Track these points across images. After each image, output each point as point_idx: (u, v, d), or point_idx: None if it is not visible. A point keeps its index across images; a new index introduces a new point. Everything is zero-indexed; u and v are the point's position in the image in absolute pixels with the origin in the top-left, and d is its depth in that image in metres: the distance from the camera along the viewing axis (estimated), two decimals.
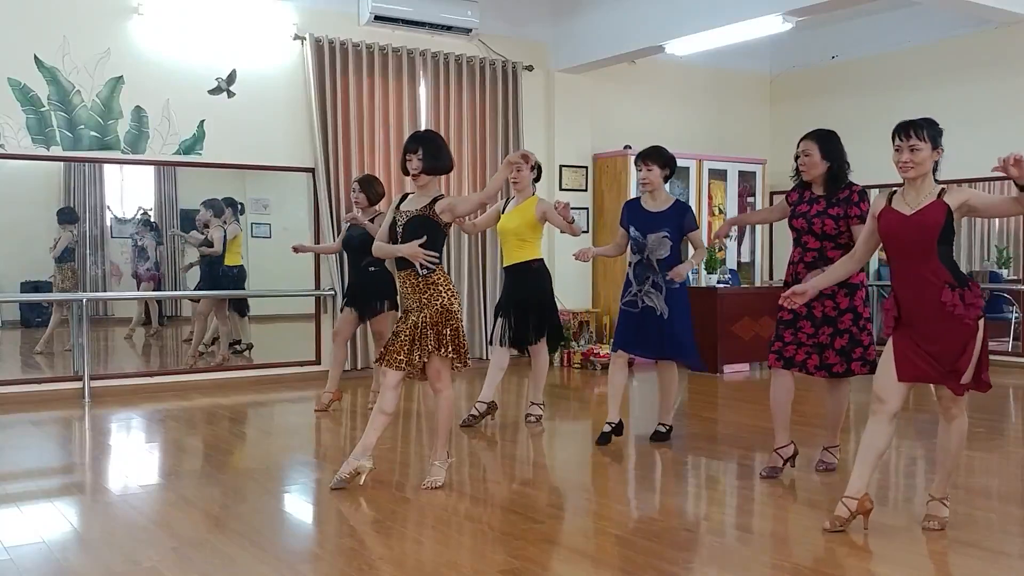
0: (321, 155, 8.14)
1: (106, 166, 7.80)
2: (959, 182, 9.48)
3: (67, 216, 7.94)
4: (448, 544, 3.75)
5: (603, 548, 3.72)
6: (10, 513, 4.18)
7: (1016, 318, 9.24)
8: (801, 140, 4.58)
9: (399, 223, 4.52)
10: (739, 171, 9.83)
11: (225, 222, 8.26)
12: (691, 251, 5.50)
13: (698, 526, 4.04)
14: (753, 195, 9.97)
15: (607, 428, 5.51)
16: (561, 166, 9.54)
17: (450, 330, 4.40)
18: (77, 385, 7.29)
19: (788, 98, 10.86)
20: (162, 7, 7.56)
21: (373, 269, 6.40)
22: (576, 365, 9.04)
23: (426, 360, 4.41)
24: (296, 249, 7.08)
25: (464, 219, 6.01)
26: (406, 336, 4.43)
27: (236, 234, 8.34)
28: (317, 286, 8.32)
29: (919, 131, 3.66)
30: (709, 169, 9.49)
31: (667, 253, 5.31)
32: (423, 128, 8.68)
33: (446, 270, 5.19)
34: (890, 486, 4.82)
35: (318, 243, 8.04)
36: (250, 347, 8.61)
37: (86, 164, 7.67)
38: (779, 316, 4.58)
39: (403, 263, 4.49)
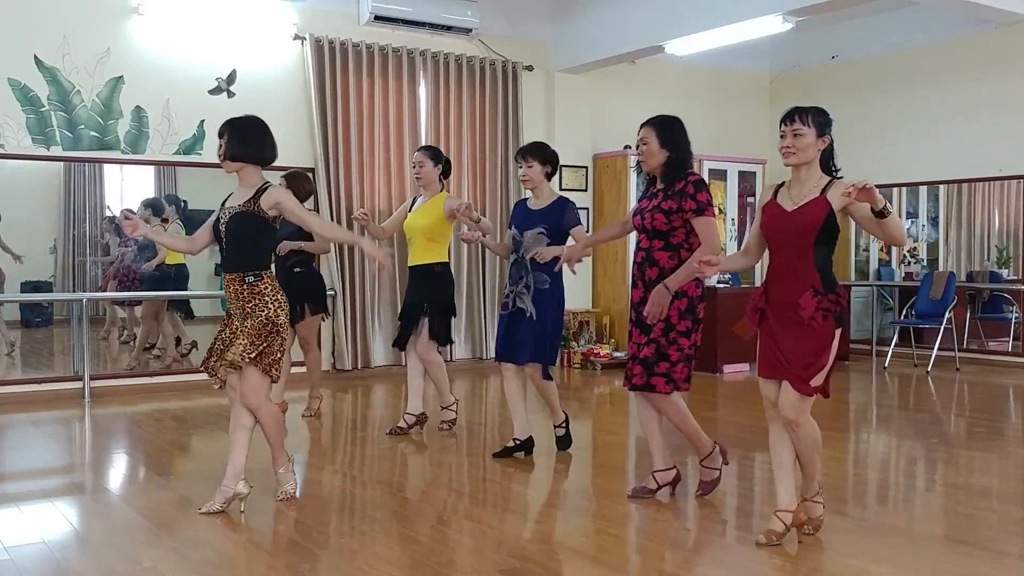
0: (321, 155, 8.14)
1: (106, 166, 7.80)
2: (959, 182, 9.51)
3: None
4: (448, 544, 3.75)
5: (603, 548, 3.72)
6: (10, 513, 4.18)
7: (1016, 318, 9.24)
8: (640, 127, 4.24)
9: (222, 220, 4.13)
10: (739, 171, 9.83)
11: (167, 220, 8.07)
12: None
13: (698, 526, 4.03)
14: (753, 195, 9.97)
15: (511, 443, 5.21)
16: (561, 166, 9.46)
17: (276, 346, 4.03)
18: (77, 385, 7.29)
19: (788, 98, 10.82)
20: (162, 7, 7.56)
21: (299, 270, 6.12)
22: (576, 365, 9.05)
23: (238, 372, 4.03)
24: None
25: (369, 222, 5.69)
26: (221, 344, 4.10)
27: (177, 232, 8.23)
28: None
29: (803, 116, 3.50)
30: (709, 169, 9.48)
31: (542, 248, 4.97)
32: (423, 128, 8.70)
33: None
34: (889, 486, 4.83)
35: None
36: (194, 345, 8.43)
37: (86, 164, 7.67)
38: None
39: (228, 265, 4.07)
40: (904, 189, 10.09)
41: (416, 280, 5.76)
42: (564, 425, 5.34)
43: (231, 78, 7.91)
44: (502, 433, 5.96)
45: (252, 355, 3.98)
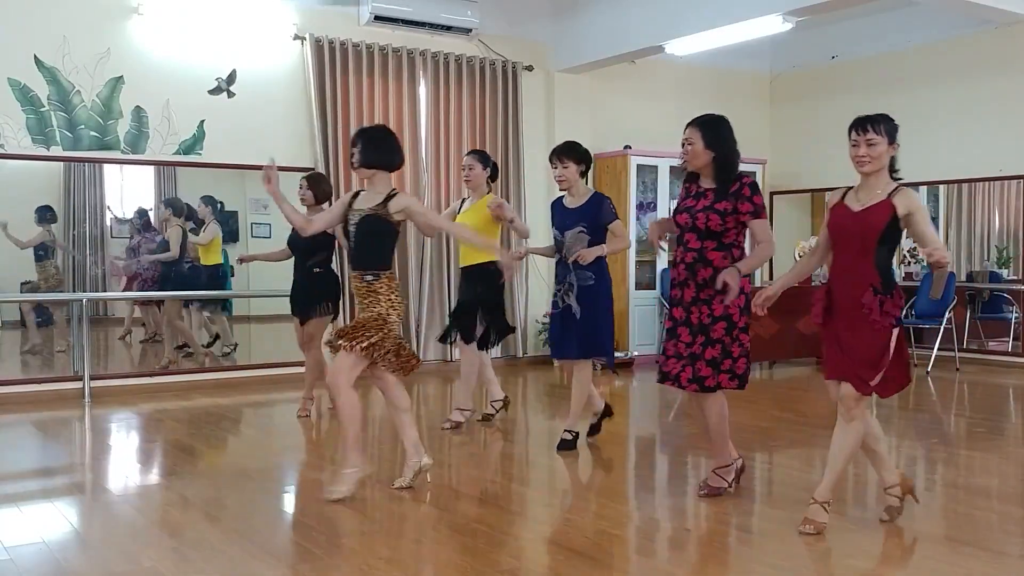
0: (321, 155, 8.14)
1: (106, 166, 7.80)
2: (959, 182, 9.51)
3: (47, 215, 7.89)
4: (448, 544, 3.75)
5: (603, 548, 3.72)
6: (10, 513, 4.18)
7: (1016, 318, 9.24)
8: (686, 127, 4.24)
9: (351, 220, 4.37)
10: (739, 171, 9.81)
11: (190, 219, 8.17)
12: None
13: (698, 526, 4.03)
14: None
15: (593, 419, 5.49)
16: None
17: (378, 336, 4.23)
18: (77, 385, 7.29)
19: (788, 98, 10.86)
20: (162, 7, 7.55)
21: (318, 271, 6.22)
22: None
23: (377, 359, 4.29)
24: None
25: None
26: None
27: (215, 234, 8.29)
28: None
29: (876, 125, 3.63)
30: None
31: (584, 249, 5.12)
32: (423, 127, 8.70)
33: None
34: None
35: None
36: (234, 348, 8.59)
37: (86, 164, 7.67)
38: (665, 326, 4.39)
39: (353, 263, 4.38)
40: None
41: (468, 280, 5.96)
42: (574, 435, 5.33)
43: (231, 78, 7.91)
44: (502, 433, 5.97)
45: (353, 342, 4.19)
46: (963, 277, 9.72)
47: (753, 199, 4.11)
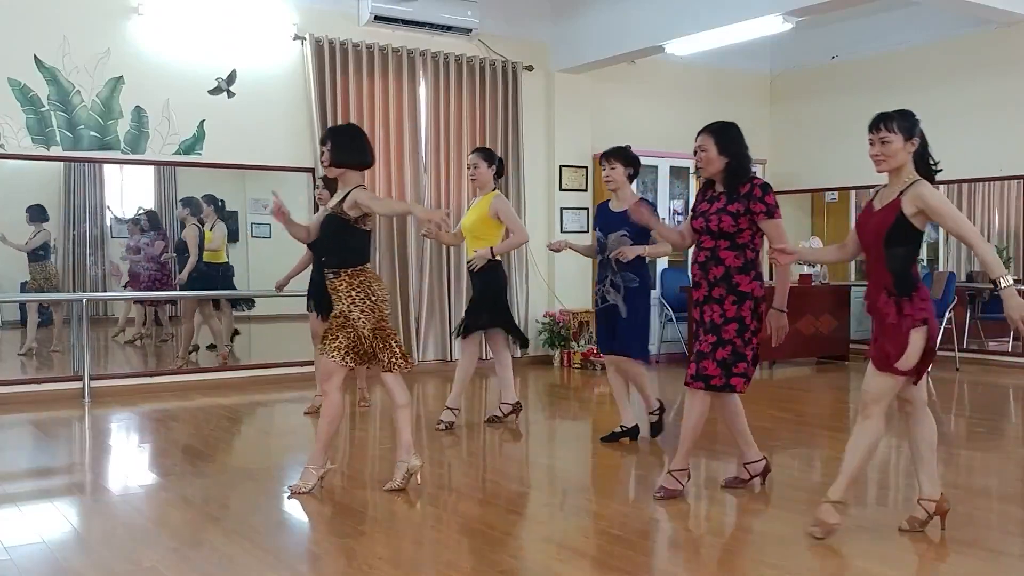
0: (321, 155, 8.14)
1: (106, 166, 7.80)
2: (959, 182, 9.50)
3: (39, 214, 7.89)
4: (448, 544, 3.75)
5: (603, 548, 3.72)
6: (10, 513, 4.18)
7: None
8: (698, 134, 4.33)
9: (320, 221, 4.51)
10: None
11: (203, 222, 8.21)
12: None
13: (698, 526, 4.03)
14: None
15: (619, 429, 5.52)
16: (561, 166, 9.53)
17: (343, 336, 4.31)
18: (77, 385, 7.29)
19: (788, 98, 10.86)
20: (162, 7, 7.55)
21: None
22: (576, 365, 9.05)
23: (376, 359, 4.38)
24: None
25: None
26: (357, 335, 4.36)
27: (223, 233, 8.32)
28: None
29: (889, 122, 3.56)
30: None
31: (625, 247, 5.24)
32: (423, 128, 8.70)
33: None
34: (889, 486, 4.83)
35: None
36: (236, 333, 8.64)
37: (86, 164, 7.67)
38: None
39: (323, 263, 4.45)
40: None
41: (472, 277, 5.98)
42: (658, 412, 5.58)
43: (231, 78, 7.91)
44: (502, 433, 5.97)
45: (324, 346, 4.32)
46: (963, 277, 9.71)
47: (765, 199, 4.15)
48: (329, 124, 8.17)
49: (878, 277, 3.61)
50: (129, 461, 5.43)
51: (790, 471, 4.84)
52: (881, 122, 3.57)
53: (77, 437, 6.22)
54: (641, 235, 5.20)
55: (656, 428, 5.58)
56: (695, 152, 4.31)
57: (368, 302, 4.31)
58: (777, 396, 7.57)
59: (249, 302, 8.70)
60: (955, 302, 8.82)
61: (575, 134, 9.61)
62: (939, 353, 8.61)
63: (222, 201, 8.39)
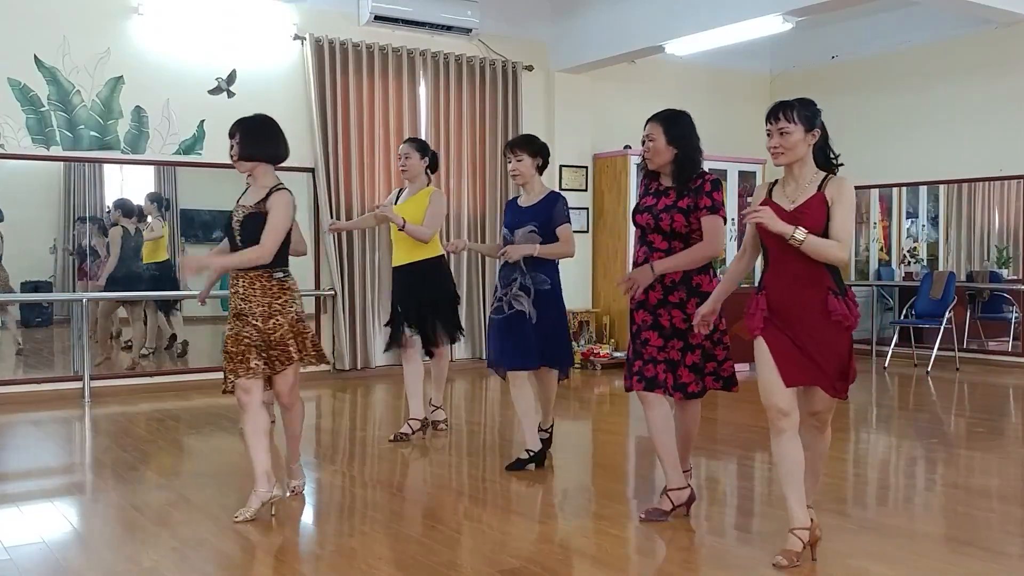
0: (321, 155, 8.14)
1: (106, 166, 7.79)
2: (959, 182, 9.51)
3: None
4: (448, 544, 3.75)
5: (603, 548, 3.72)
6: (10, 513, 4.18)
7: (1016, 318, 9.24)
8: (646, 123, 4.03)
9: (235, 218, 4.12)
10: (739, 171, 9.81)
11: (143, 219, 8.00)
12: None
13: (698, 526, 4.03)
14: (752, 195, 9.94)
15: (525, 455, 4.89)
16: (561, 166, 9.53)
17: (308, 337, 4.07)
18: (77, 385, 7.29)
19: (788, 98, 10.82)
20: (162, 7, 7.55)
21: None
22: (576, 365, 9.04)
23: (281, 371, 3.99)
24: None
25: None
26: (252, 343, 3.94)
27: (160, 231, 8.10)
28: (317, 286, 8.32)
29: (789, 112, 3.30)
30: (709, 169, 9.45)
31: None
32: (423, 128, 8.70)
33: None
34: (889, 486, 4.83)
35: (317, 241, 8.05)
36: (178, 342, 8.37)
37: (86, 164, 7.66)
38: (632, 332, 4.00)
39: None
40: (904, 189, 10.09)
41: (406, 280, 5.53)
42: (550, 431, 5.08)
43: (231, 78, 7.91)
44: (502, 433, 5.97)
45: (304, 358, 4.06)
46: (963, 277, 9.72)
47: (712, 195, 3.89)
48: (329, 124, 8.18)
49: (817, 279, 3.28)
50: (129, 461, 5.42)
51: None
52: (780, 111, 3.32)
53: (77, 437, 6.22)
54: (551, 231, 4.71)
55: (544, 446, 4.97)
56: (643, 142, 4.04)
57: (279, 304, 4.00)
58: None
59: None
60: (955, 302, 8.82)
61: (575, 134, 9.61)
62: (939, 353, 8.68)
63: (167, 200, 8.23)
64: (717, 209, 3.89)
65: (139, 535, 3.85)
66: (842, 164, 3.45)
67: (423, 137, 8.67)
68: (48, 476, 5.07)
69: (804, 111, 3.33)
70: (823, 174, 3.36)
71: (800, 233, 3.21)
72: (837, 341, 3.32)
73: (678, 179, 3.95)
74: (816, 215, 3.28)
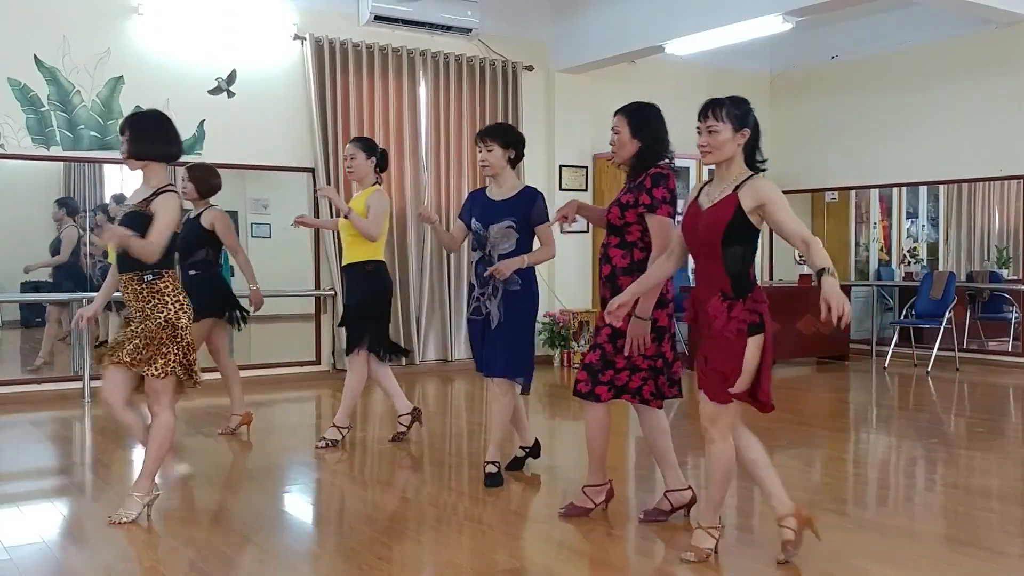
0: (321, 155, 8.14)
1: (106, 166, 7.79)
2: (959, 182, 9.51)
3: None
4: (448, 544, 3.75)
5: (603, 548, 3.72)
6: (10, 513, 4.18)
7: (1016, 318, 9.24)
8: (614, 115, 3.89)
9: (116, 219, 3.96)
10: None
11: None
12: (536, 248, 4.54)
13: (699, 526, 4.02)
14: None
15: (520, 453, 4.86)
16: (561, 166, 9.54)
17: (176, 347, 3.83)
18: (77, 385, 7.29)
19: (788, 98, 10.85)
20: (162, 7, 7.56)
21: (192, 272, 5.57)
22: (576, 365, 9.04)
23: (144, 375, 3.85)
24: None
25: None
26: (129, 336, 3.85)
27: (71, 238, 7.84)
28: (317, 286, 8.33)
29: (718, 110, 3.22)
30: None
31: (512, 247, 4.38)
32: (423, 127, 8.70)
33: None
34: (889, 486, 4.83)
35: (317, 241, 8.04)
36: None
37: (86, 164, 7.67)
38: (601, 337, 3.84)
39: (125, 264, 3.82)
40: (904, 189, 10.09)
41: (348, 282, 5.44)
42: (498, 467, 4.61)
43: (231, 78, 7.91)
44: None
45: (145, 357, 3.79)
46: (963, 277, 9.72)
47: (652, 191, 3.67)
48: (329, 124, 8.18)
49: (712, 279, 3.24)
50: (129, 461, 5.42)
51: (790, 471, 4.83)
52: (709, 109, 3.24)
53: (77, 437, 6.22)
54: (529, 228, 4.44)
55: (491, 479, 4.59)
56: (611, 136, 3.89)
57: (189, 309, 3.92)
58: (777, 396, 7.50)
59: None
60: (955, 302, 8.82)
61: (575, 134, 9.62)
62: (939, 353, 8.68)
63: (105, 204, 8.02)
64: (655, 207, 3.68)
65: (139, 535, 3.85)
66: (765, 170, 3.34)
67: (423, 136, 8.68)
68: (48, 476, 5.07)
69: (735, 110, 3.25)
70: (748, 174, 3.26)
71: (829, 270, 2.99)
72: (718, 344, 3.22)
73: (633, 171, 3.81)
74: (721, 214, 3.20)
